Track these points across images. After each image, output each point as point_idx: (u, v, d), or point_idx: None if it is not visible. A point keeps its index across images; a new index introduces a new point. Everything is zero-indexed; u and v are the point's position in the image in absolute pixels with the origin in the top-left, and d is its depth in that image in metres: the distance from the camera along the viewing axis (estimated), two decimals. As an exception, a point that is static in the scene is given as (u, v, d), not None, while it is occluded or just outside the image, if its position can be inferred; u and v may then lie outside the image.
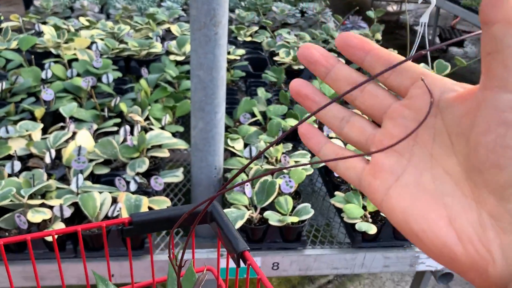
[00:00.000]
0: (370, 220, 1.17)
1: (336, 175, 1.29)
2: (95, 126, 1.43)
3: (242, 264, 0.49)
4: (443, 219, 0.27)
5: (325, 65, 0.32)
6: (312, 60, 0.33)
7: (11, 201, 1.05)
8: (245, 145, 1.41)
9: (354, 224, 1.15)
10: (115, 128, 1.44)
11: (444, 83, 0.29)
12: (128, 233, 0.48)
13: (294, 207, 1.17)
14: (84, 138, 1.29)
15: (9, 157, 1.26)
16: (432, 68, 1.85)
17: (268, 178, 1.21)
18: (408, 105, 0.30)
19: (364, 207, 1.19)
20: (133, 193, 1.18)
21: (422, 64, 1.88)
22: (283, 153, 1.37)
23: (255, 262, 0.46)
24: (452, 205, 0.27)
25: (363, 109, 0.33)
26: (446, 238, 0.26)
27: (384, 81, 0.32)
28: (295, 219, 1.11)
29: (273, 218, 1.11)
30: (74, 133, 1.37)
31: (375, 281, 2.14)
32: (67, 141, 1.33)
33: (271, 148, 1.36)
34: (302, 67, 1.98)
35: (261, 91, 1.67)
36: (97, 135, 1.45)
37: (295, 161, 1.33)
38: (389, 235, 1.20)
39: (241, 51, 2.00)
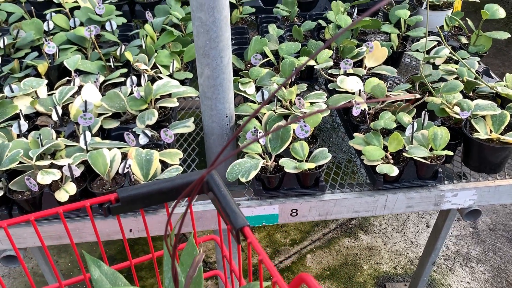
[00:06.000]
0: (391, 161, 1.11)
1: (354, 114, 1.22)
2: (101, 78, 1.38)
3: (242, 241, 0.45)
4: None
5: None
6: None
7: (20, 163, 1.03)
8: (257, 89, 1.34)
9: (375, 166, 1.10)
10: (122, 79, 1.38)
11: None
12: (116, 210, 0.44)
13: (310, 152, 1.12)
14: (90, 92, 1.25)
15: (18, 117, 1.23)
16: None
17: (282, 123, 1.15)
18: None
19: (385, 148, 1.13)
20: (143, 147, 1.15)
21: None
22: (297, 94, 1.30)
23: (255, 240, 0.42)
24: None
25: None
26: None
27: None
28: (311, 165, 1.07)
29: (289, 165, 1.07)
30: (81, 87, 1.33)
31: (400, 215, 2.12)
32: (73, 96, 1.29)
33: (284, 90, 1.29)
34: (316, -3, 1.84)
35: (272, 28, 1.57)
36: (105, 87, 1.40)
37: (311, 103, 1.26)
38: (412, 175, 1.15)
39: (250, -15, 1.87)
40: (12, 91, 1.26)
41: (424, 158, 1.10)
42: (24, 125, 1.16)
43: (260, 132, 1.11)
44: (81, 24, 1.64)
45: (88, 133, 1.09)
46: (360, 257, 1.91)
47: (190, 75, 1.44)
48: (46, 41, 1.46)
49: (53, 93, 1.29)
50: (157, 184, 0.46)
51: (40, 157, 1.08)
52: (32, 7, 1.72)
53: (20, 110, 1.21)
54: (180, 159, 1.12)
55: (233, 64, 1.42)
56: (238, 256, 0.44)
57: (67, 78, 1.39)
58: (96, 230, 0.45)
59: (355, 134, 1.19)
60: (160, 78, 1.36)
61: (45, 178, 0.98)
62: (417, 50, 1.49)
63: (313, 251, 1.94)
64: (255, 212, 1.14)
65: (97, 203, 0.44)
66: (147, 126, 1.20)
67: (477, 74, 1.34)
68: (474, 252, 1.92)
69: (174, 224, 1.01)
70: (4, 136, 1.15)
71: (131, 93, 1.29)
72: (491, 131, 1.18)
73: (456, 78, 1.37)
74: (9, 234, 0.46)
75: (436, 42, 1.50)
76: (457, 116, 1.21)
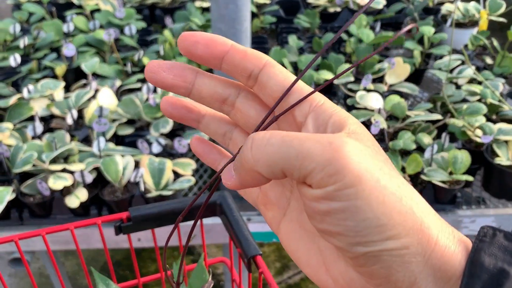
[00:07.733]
0: (409, 183, 1.08)
1: (373, 132, 1.19)
2: (118, 83, 1.37)
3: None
4: (322, 267, 0.27)
5: (182, 85, 0.28)
6: (167, 85, 0.28)
7: (33, 165, 1.02)
8: (275, 100, 1.32)
9: (391, 187, 1.07)
10: (139, 85, 1.38)
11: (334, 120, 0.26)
12: (127, 230, 0.42)
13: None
14: (106, 97, 1.24)
15: (33, 118, 1.22)
16: (484, 7, 1.66)
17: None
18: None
19: (403, 169, 1.10)
20: (157, 155, 1.13)
21: (472, 3, 1.69)
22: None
23: (268, 270, 0.40)
24: (325, 249, 0.27)
25: (240, 124, 0.30)
26: (327, 284, 0.27)
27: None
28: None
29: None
30: (97, 91, 1.32)
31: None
32: (89, 100, 1.28)
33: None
34: (338, 9, 1.82)
35: (292, 39, 1.55)
36: (121, 92, 1.39)
37: (328, 118, 1.23)
38: (429, 198, 1.11)
39: (272, -5, 1.86)
40: (30, 92, 1.26)
41: (443, 182, 1.06)
42: (39, 127, 1.15)
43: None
44: (101, 27, 1.64)
45: (102, 139, 1.08)
46: (370, 276, 1.87)
47: (207, 84, 1.43)
48: (65, 42, 1.46)
49: (69, 96, 1.29)
50: (169, 205, 0.44)
51: (53, 160, 1.07)
52: (54, 8, 1.72)
53: (36, 113, 1.20)
54: (192, 169, 1.11)
55: (251, 74, 1.41)
56: (249, 285, 0.42)
57: (84, 81, 1.39)
58: (106, 248, 0.44)
59: (372, 153, 1.16)
60: (177, 85, 1.34)
61: (57, 183, 0.97)
62: (440, 69, 1.45)
63: (323, 267, 1.90)
64: (266, 228, 1.11)
65: (108, 221, 0.43)
66: (161, 134, 1.19)
67: (501, 97, 1.30)
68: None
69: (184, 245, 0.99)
70: (19, 138, 1.14)
71: (147, 100, 1.28)
72: (514, 157, 1.15)
73: (479, 100, 1.33)
74: (20, 247, 0.44)
75: (460, 61, 1.47)
76: (478, 140, 1.18)
